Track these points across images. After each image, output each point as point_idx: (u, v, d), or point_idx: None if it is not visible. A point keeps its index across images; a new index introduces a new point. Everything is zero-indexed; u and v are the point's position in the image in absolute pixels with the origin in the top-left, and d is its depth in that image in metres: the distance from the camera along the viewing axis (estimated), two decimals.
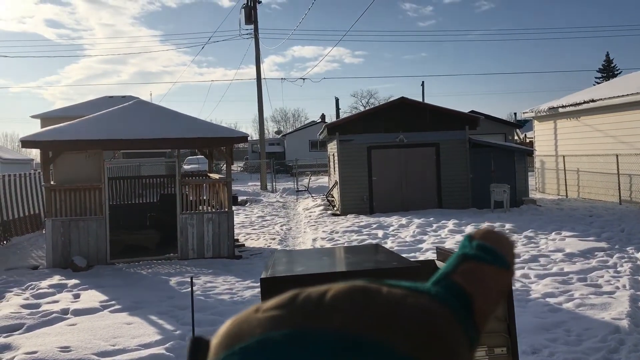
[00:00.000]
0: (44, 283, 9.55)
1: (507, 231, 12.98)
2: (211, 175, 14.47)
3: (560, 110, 20.49)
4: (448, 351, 0.48)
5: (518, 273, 9.00)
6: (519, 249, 11.10)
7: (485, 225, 13.72)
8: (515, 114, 56.30)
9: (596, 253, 10.43)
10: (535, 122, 23.22)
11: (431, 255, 9.67)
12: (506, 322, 3.37)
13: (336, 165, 18.73)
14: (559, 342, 5.97)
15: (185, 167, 33.94)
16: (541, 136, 22.78)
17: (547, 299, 7.67)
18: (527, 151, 19.59)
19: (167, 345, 6.22)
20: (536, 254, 10.49)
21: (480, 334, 0.55)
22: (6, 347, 6.40)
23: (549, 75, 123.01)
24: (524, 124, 39.04)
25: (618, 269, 9.17)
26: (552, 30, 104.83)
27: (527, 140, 36.94)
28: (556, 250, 10.80)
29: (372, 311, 0.48)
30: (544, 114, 21.77)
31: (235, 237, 12.88)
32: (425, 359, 0.47)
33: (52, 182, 11.35)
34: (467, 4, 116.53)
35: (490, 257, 0.60)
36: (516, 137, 32.74)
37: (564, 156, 20.44)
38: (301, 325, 0.46)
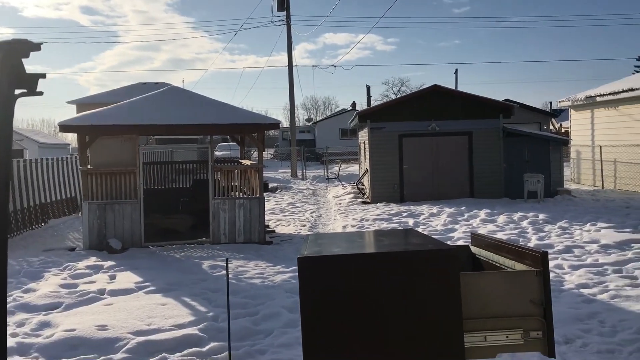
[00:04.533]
0: (81, 264, 9.81)
1: (541, 221, 12.79)
2: (242, 161, 14.59)
3: (598, 99, 20.02)
4: None
5: (552, 264, 8.88)
6: (552, 239, 10.93)
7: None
8: (550, 103, 55.30)
9: (632, 245, 10.22)
10: (572, 112, 22.77)
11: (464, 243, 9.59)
12: (542, 305, 3.33)
13: (367, 153, 18.69)
14: (592, 333, 5.89)
15: (217, 153, 34.24)
16: (577, 126, 22.33)
17: (581, 290, 7.56)
18: (562, 141, 19.23)
19: (200, 326, 6.34)
20: (570, 245, 10.33)
21: None
22: (46, 325, 6.61)
23: (586, 64, 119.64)
24: (559, 113, 38.31)
25: None
26: (589, 17, 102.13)
27: (563, 130, 36.26)
28: (591, 241, 10.61)
29: None
30: (581, 102, 21.31)
31: (266, 223, 12.99)
32: None
33: (88, 166, 11.60)
34: None
35: None
36: (551, 127, 32.11)
37: (600, 146, 19.99)
38: None
